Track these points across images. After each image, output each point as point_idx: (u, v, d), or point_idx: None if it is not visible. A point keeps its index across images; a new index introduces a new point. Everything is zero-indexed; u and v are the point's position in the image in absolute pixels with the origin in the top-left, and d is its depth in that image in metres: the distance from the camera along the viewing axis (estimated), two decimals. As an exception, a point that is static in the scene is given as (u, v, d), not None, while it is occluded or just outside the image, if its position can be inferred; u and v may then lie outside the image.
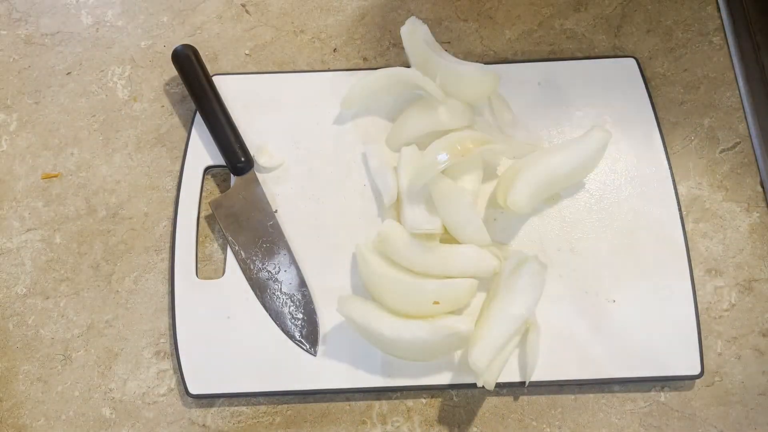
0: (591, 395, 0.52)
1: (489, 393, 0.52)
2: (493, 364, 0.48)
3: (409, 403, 0.52)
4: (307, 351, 0.51)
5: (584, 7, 0.65)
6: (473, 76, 0.55)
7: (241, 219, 0.55)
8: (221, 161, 0.57)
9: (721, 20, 0.64)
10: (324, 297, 0.53)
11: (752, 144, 0.60)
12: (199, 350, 0.52)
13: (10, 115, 0.61)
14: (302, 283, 0.53)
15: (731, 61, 0.63)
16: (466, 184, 0.53)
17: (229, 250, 0.54)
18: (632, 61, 0.60)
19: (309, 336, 0.52)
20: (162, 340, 0.53)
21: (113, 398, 0.52)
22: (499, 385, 0.50)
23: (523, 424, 0.51)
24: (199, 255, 0.55)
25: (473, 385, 0.49)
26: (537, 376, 0.50)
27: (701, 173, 0.58)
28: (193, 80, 0.58)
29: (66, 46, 0.63)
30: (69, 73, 0.62)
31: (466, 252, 0.51)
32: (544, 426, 0.51)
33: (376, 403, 0.52)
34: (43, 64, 0.63)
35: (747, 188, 0.58)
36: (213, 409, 0.52)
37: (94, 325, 0.54)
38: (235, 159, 0.56)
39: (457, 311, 0.52)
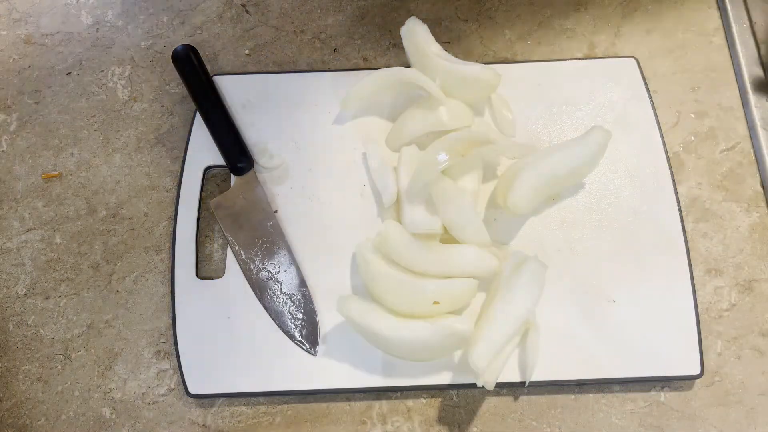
0: (591, 395, 0.52)
1: (489, 393, 0.52)
2: (493, 364, 0.48)
3: (409, 403, 0.52)
4: (307, 351, 0.51)
5: (584, 7, 0.65)
6: (474, 75, 0.55)
7: (241, 219, 0.55)
8: (221, 161, 0.57)
9: (721, 20, 0.64)
10: (324, 297, 0.53)
11: (752, 144, 0.60)
12: (199, 350, 0.52)
13: (10, 115, 0.61)
14: (302, 283, 0.53)
15: (731, 60, 0.63)
16: (466, 184, 0.54)
17: (229, 250, 0.54)
18: (632, 61, 0.60)
19: (309, 336, 0.52)
20: (162, 340, 0.53)
21: (113, 398, 0.52)
22: (499, 385, 0.50)
23: (523, 424, 0.51)
24: (199, 255, 0.55)
25: (473, 385, 0.49)
26: (537, 376, 0.50)
27: (701, 173, 0.58)
28: (193, 80, 0.58)
29: (66, 46, 0.63)
30: (69, 73, 0.62)
31: (466, 252, 0.51)
32: (544, 426, 0.51)
33: (376, 403, 0.52)
34: (43, 64, 0.63)
35: (747, 188, 0.58)
36: (213, 409, 0.52)
37: (94, 325, 0.54)
38: (235, 159, 0.56)
39: (457, 311, 0.52)
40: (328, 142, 0.58)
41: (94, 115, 0.61)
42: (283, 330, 0.52)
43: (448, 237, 0.53)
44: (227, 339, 0.52)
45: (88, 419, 0.52)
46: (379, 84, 0.57)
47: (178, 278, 0.54)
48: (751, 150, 0.59)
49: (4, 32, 0.64)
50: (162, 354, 0.53)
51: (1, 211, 0.58)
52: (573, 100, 0.59)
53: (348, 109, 0.59)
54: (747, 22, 0.64)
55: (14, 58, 0.63)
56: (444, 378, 0.51)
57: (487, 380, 0.47)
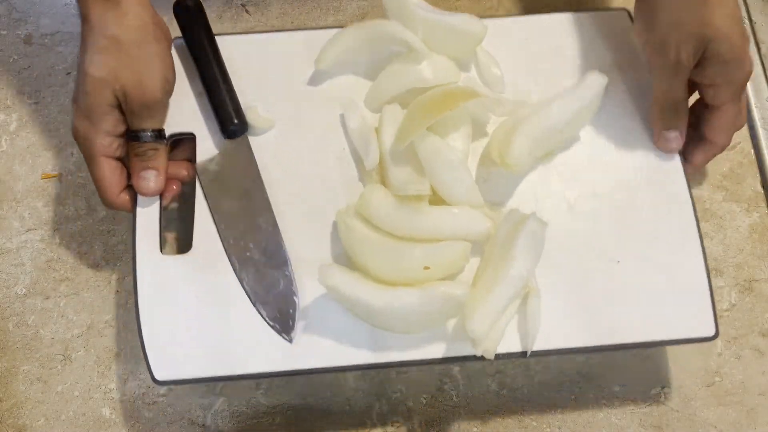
0: (591, 395, 0.52)
1: (489, 393, 0.52)
2: (492, 331, 0.44)
3: (410, 403, 0.52)
4: (283, 334, 0.48)
5: (584, 7, 0.65)
6: (458, 26, 0.51)
7: (228, 186, 0.51)
8: (189, 128, 0.53)
9: (721, 20, 0.64)
10: (303, 269, 0.49)
11: (752, 144, 0.60)
12: (166, 332, 0.47)
13: (10, 115, 0.61)
14: (285, 260, 0.49)
15: (731, 61, 0.63)
16: (455, 141, 0.50)
17: (198, 221, 0.50)
18: (624, 13, 0.56)
19: (286, 318, 0.48)
20: (162, 340, 0.53)
21: (113, 398, 0.52)
22: (499, 356, 0.46)
23: (522, 423, 0.51)
24: (165, 228, 0.52)
25: (471, 358, 0.46)
26: (538, 345, 0.46)
27: (701, 173, 0.58)
28: (195, 36, 0.55)
29: (66, 46, 0.63)
30: (69, 73, 0.62)
31: (457, 213, 0.48)
32: (544, 426, 0.51)
33: (376, 403, 0.52)
34: (43, 64, 0.63)
35: (747, 188, 0.58)
36: (213, 410, 0.52)
37: (94, 325, 0.54)
38: (230, 120, 0.52)
39: (450, 277, 0.48)
40: (303, 104, 0.54)
41: (94, 115, 0.61)
42: (259, 311, 0.48)
43: (436, 199, 0.49)
44: (196, 320, 0.48)
45: (88, 419, 0.52)
46: (355, 39, 0.53)
47: (139, 254, 0.49)
48: (751, 150, 0.59)
49: (4, 32, 0.64)
50: (162, 354, 0.53)
51: (1, 211, 0.58)
52: (561, 54, 0.55)
53: (323, 68, 0.54)
54: (747, 22, 0.64)
55: (14, 58, 0.63)
56: (437, 351, 0.46)
57: (487, 348, 0.44)
